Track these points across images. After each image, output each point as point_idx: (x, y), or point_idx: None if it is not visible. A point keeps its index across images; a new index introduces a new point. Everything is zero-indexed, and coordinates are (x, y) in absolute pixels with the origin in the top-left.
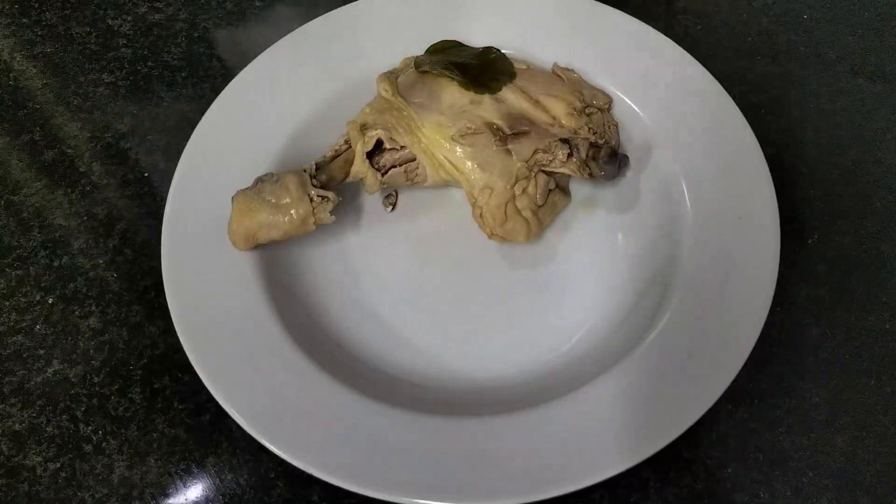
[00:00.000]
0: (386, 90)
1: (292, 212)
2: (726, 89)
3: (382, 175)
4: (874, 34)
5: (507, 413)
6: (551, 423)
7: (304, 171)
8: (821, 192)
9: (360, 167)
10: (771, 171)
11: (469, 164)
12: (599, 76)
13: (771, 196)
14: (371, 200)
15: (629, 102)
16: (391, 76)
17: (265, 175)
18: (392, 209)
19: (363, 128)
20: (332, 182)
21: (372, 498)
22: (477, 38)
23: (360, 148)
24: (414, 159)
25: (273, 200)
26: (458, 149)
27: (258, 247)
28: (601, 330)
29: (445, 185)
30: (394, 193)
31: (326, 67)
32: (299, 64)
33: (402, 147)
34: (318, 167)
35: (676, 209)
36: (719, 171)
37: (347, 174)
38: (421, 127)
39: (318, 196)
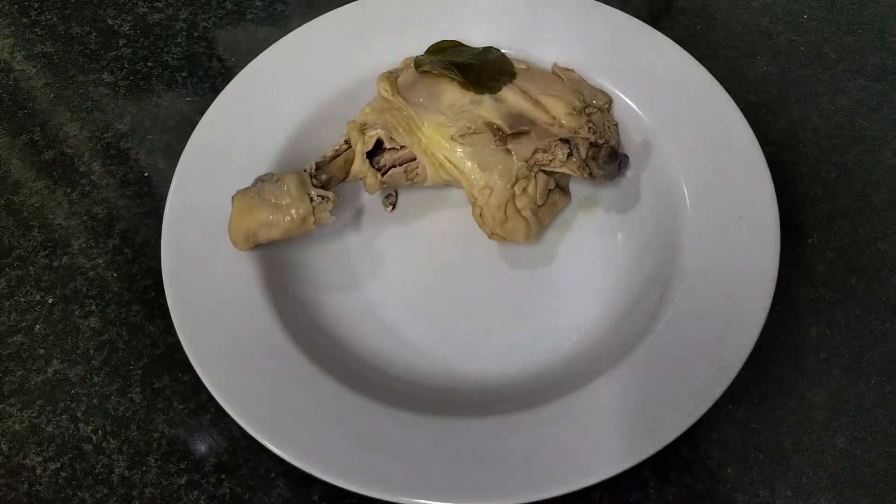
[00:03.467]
0: (386, 90)
1: (292, 212)
2: (726, 89)
3: (382, 175)
4: (874, 34)
5: (507, 413)
6: (551, 423)
7: (304, 171)
8: (821, 192)
9: (360, 167)
10: (771, 171)
11: (469, 163)
12: (600, 76)
13: (771, 196)
14: (371, 200)
15: (629, 102)
16: (391, 76)
17: (265, 175)
18: (392, 209)
19: (363, 127)
20: (332, 182)
21: (372, 498)
22: (477, 38)
23: (360, 148)
24: (414, 159)
25: (273, 200)
26: (459, 149)
27: (258, 246)
28: (601, 330)
29: (446, 184)
30: (394, 193)
31: (326, 67)
32: (299, 64)
33: (402, 147)
34: (318, 167)
35: (676, 209)
36: (719, 171)
37: (347, 174)
38: (421, 127)
39: (318, 196)
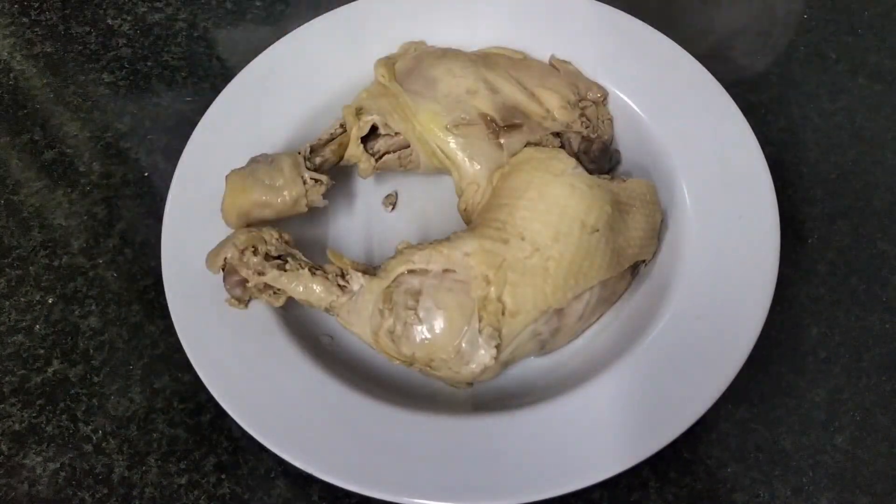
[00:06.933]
0: (383, 76)
1: (285, 193)
2: (726, 89)
3: (376, 160)
4: (874, 34)
5: (508, 413)
6: (551, 423)
7: (299, 153)
8: (821, 192)
9: (354, 151)
10: (771, 171)
11: (460, 155)
12: (600, 76)
13: (771, 196)
14: (370, 200)
15: (629, 102)
16: (389, 62)
17: (260, 156)
18: (392, 209)
19: (359, 112)
20: (326, 165)
21: (372, 498)
22: (475, 35)
23: (355, 132)
24: (408, 146)
25: (266, 181)
26: (451, 139)
27: (251, 224)
28: (600, 330)
29: (438, 171)
30: (394, 194)
31: (326, 67)
32: (299, 64)
33: (396, 133)
34: (313, 150)
35: (676, 209)
36: (719, 171)
37: (342, 158)
38: (416, 114)
39: (311, 178)
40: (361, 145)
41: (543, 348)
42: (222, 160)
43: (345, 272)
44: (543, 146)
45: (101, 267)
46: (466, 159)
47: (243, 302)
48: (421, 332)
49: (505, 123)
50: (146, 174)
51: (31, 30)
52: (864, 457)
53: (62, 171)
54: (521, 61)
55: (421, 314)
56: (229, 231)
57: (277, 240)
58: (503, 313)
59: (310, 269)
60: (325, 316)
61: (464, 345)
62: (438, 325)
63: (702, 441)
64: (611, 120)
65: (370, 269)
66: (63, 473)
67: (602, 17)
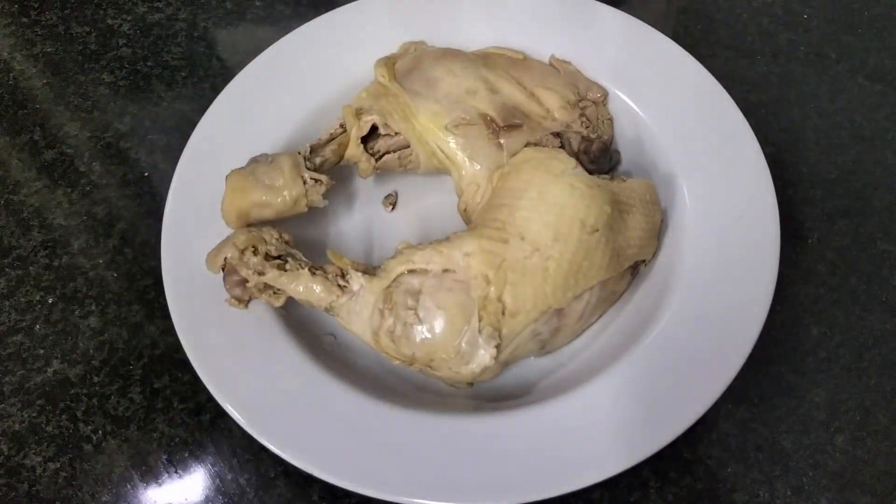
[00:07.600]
0: (383, 76)
1: (285, 193)
2: (726, 89)
3: (376, 160)
4: (874, 34)
5: (508, 413)
6: (551, 422)
7: (299, 153)
8: (821, 192)
9: (354, 151)
10: (771, 171)
11: (460, 155)
12: (600, 76)
13: (771, 196)
14: (370, 200)
15: (629, 102)
16: (389, 61)
17: (259, 156)
18: (392, 209)
19: (359, 112)
20: (326, 165)
21: (371, 497)
22: (476, 35)
23: (355, 133)
24: (408, 146)
25: (266, 181)
26: (451, 139)
27: (251, 224)
28: (600, 330)
29: (439, 171)
30: (394, 194)
31: (326, 67)
32: (299, 64)
33: (396, 133)
34: (313, 150)
35: (676, 209)
36: (719, 171)
37: (342, 158)
38: (416, 114)
39: (311, 178)
40: (361, 145)
41: (543, 348)
42: (222, 160)
43: (345, 272)
44: (543, 146)
45: (101, 267)
46: (466, 159)
47: (243, 302)
48: (421, 332)
49: (505, 123)
50: (146, 174)
51: (31, 30)
52: (864, 457)
53: (62, 171)
54: (521, 61)
55: (421, 314)
56: (229, 231)
57: (277, 240)
58: (503, 313)
59: (310, 269)
60: (327, 315)
61: (464, 345)
62: (438, 325)
63: (702, 441)
64: (611, 120)
65: (370, 269)
66: (63, 473)
67: (602, 17)
